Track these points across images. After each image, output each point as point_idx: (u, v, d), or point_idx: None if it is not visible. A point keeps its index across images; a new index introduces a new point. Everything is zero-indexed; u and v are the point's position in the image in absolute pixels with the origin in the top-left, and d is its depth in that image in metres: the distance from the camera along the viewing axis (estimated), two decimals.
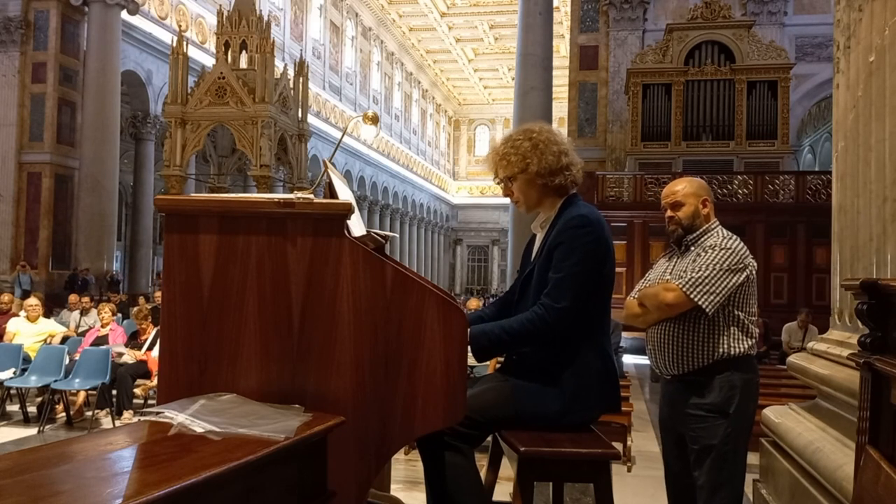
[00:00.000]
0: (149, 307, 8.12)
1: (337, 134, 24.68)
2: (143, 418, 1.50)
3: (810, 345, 3.27)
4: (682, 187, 2.48)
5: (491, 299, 17.33)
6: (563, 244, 1.95)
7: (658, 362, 2.46)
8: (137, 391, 6.52)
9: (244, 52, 13.54)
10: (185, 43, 13.32)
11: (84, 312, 9.27)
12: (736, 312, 2.34)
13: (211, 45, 16.99)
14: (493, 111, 42.60)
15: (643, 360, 10.63)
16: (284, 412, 1.53)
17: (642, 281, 2.60)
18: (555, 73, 16.51)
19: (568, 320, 1.93)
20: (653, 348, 2.47)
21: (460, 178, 44.10)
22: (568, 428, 1.97)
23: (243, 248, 1.67)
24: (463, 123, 44.53)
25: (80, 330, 8.65)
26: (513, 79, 17.70)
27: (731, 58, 14.29)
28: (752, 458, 2.61)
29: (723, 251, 2.33)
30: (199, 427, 1.37)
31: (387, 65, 33.33)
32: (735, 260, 2.32)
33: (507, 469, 2.27)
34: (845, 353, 2.54)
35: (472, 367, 5.55)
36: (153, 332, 6.99)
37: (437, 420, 1.66)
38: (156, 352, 5.96)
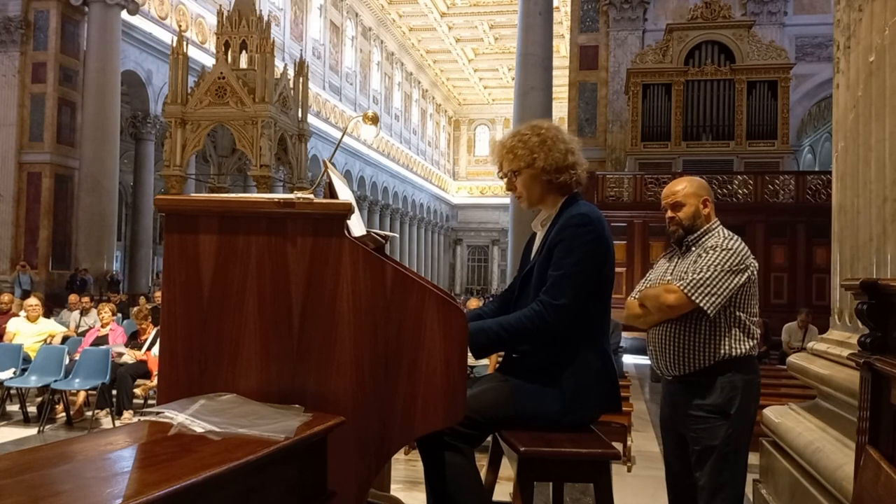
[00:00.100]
0: (149, 307, 8.12)
1: (337, 134, 24.68)
2: (143, 418, 1.50)
3: (810, 345, 3.27)
4: (683, 187, 2.47)
5: (491, 299, 17.30)
6: (564, 242, 1.95)
7: (659, 363, 2.46)
8: (137, 391, 6.52)
9: (244, 52, 13.54)
10: (185, 43, 13.32)
11: (84, 312, 9.28)
12: (737, 313, 2.34)
13: (211, 45, 16.99)
14: (493, 111, 42.59)
15: (643, 360, 10.63)
16: (284, 412, 1.53)
17: (643, 281, 2.60)
18: (555, 73, 16.52)
19: (567, 318, 1.92)
20: (654, 349, 2.47)
21: (460, 178, 44.10)
22: (568, 428, 1.97)
23: (243, 248, 1.67)
24: (463, 123, 44.53)
25: (80, 330, 8.65)
26: (513, 79, 17.70)
27: (731, 58, 14.29)
28: (753, 459, 2.61)
29: (724, 252, 2.32)
30: (199, 427, 1.37)
31: (387, 65, 33.33)
32: (736, 261, 2.31)
33: (507, 469, 2.27)
34: (845, 353, 2.54)
35: (472, 367, 5.55)
36: (153, 332, 6.99)
37: (437, 420, 1.66)
38: (155, 350, 5.96)
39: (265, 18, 14.56)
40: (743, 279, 2.32)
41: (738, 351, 2.33)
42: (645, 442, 5.66)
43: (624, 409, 4.88)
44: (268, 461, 1.29)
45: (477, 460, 1.91)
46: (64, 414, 6.49)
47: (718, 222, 2.47)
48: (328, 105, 26.40)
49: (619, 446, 4.60)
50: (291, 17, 24.31)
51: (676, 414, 2.45)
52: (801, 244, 12.53)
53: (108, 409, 6.40)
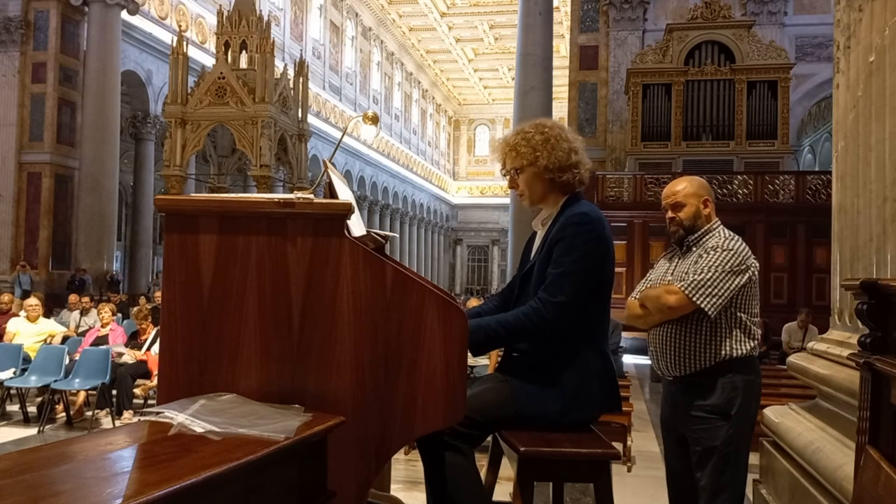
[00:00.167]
0: (149, 307, 8.13)
1: (337, 134, 24.67)
2: (143, 418, 1.50)
3: (810, 345, 3.27)
4: (683, 187, 2.47)
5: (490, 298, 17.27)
6: (564, 240, 1.95)
7: (660, 363, 2.46)
8: (137, 391, 6.52)
9: (244, 52, 13.54)
10: (185, 43, 13.32)
11: (84, 312, 9.28)
12: (738, 314, 2.34)
13: (211, 45, 16.99)
14: (493, 111, 42.59)
15: (643, 360, 10.64)
16: (284, 412, 1.53)
17: (643, 281, 2.59)
18: (555, 73, 16.51)
19: (565, 316, 1.92)
20: (655, 349, 2.46)
21: (460, 178, 44.10)
22: (568, 428, 1.97)
23: (243, 248, 1.67)
24: (463, 123, 44.53)
25: (80, 330, 8.65)
26: (513, 79, 17.69)
27: (731, 58, 14.30)
28: (753, 459, 2.61)
29: (725, 252, 2.32)
30: (199, 427, 1.37)
31: (387, 65, 33.32)
32: (737, 261, 2.31)
33: (507, 469, 2.27)
34: (845, 353, 2.54)
35: (472, 367, 5.55)
36: (153, 332, 6.99)
37: (437, 420, 1.66)
38: (155, 350, 5.96)
39: (265, 18, 14.56)
40: (744, 280, 2.31)
41: (739, 352, 2.33)
42: (645, 442, 5.66)
43: (624, 409, 4.88)
44: (268, 461, 1.29)
45: (477, 460, 1.91)
46: (64, 414, 6.49)
47: (719, 222, 2.46)
48: (328, 105, 26.40)
49: (619, 446, 4.59)
50: (291, 17, 24.31)
51: (677, 414, 2.45)
52: (801, 244, 12.54)
53: (108, 410, 6.40)
